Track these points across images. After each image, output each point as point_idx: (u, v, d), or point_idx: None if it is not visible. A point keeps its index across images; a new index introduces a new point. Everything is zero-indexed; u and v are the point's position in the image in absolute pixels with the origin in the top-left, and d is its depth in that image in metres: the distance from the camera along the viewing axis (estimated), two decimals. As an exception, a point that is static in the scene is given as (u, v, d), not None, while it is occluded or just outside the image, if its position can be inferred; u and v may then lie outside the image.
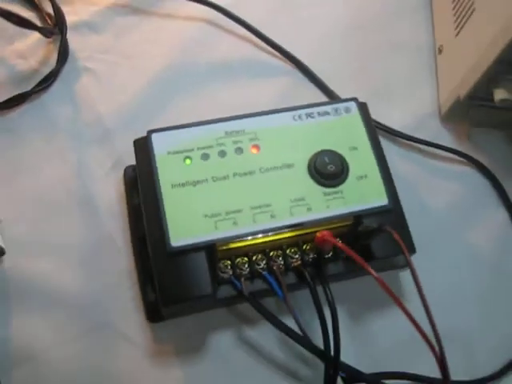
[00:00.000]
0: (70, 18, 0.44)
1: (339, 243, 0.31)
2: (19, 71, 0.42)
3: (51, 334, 0.35)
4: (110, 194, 0.39)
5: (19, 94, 0.41)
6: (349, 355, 0.34)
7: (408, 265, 0.29)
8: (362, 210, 0.34)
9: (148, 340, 0.35)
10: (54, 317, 0.35)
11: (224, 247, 0.33)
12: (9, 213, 0.37)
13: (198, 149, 0.35)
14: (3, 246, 0.36)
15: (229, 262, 0.34)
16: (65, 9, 0.44)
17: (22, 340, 0.34)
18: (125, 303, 0.36)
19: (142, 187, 0.34)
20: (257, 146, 0.35)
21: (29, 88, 0.41)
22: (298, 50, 0.45)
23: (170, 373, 0.34)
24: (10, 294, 0.35)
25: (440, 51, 0.47)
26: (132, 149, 0.36)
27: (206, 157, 0.34)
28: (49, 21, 0.44)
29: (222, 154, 0.35)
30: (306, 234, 0.34)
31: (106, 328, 0.35)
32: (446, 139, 0.44)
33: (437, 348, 0.28)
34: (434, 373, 0.31)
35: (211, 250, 0.32)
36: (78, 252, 0.37)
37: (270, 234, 0.33)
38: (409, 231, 0.35)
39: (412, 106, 0.45)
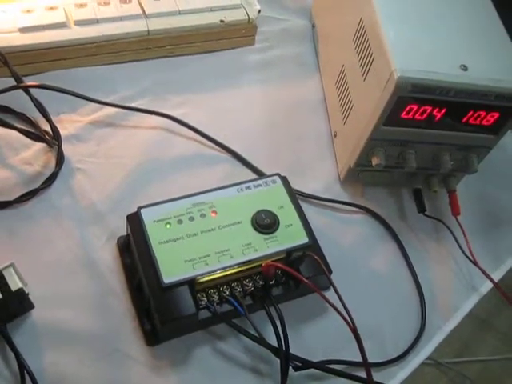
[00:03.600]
0: (61, 132, 0.58)
1: (279, 264, 0.46)
2: (27, 174, 0.55)
3: (74, 364, 0.46)
4: (108, 257, 0.52)
5: (29, 191, 0.53)
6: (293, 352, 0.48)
7: (326, 275, 0.45)
8: (292, 247, 0.49)
9: (148, 358, 0.47)
10: (75, 350, 0.47)
11: (200, 280, 0.47)
12: (33, 277, 0.48)
13: (175, 217, 0.49)
14: (33, 301, 0.48)
15: (203, 294, 0.47)
16: (56, 125, 0.59)
17: (52, 371, 0.45)
18: (128, 333, 0.48)
19: (137, 246, 0.48)
20: (215, 211, 0.50)
21: (36, 186, 0.54)
22: (233, 144, 0.61)
23: (167, 380, 0.47)
24: (40, 337, 0.47)
25: (335, 135, 0.64)
26: (121, 223, 0.50)
27: (180, 222, 0.49)
28: (45, 135, 0.58)
29: (191, 218, 0.49)
30: (255, 267, 0.48)
31: (116, 353, 0.47)
32: (347, 197, 0.61)
33: (352, 325, 0.43)
34: (357, 358, 0.45)
35: (192, 283, 0.46)
36: (89, 300, 0.49)
37: (230, 269, 0.47)
38: (325, 258, 0.50)
39: (319, 176, 0.62)
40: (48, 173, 0.56)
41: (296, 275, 0.45)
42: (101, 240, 0.53)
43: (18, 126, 0.57)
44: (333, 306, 0.43)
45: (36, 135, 0.54)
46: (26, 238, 0.52)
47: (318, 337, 0.51)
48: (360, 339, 0.43)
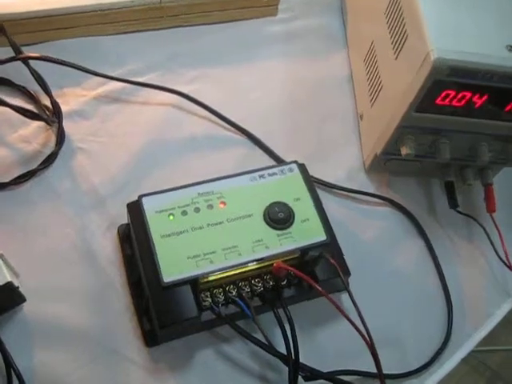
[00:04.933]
0: (62, 107, 0.54)
1: (291, 268, 0.41)
2: (25, 153, 0.52)
3: (67, 363, 0.43)
4: (108, 247, 0.48)
5: (27, 172, 0.50)
6: (304, 359, 0.43)
7: (341, 280, 0.40)
8: (307, 245, 0.44)
9: (147, 360, 0.44)
10: (69, 349, 0.43)
11: (204, 280, 0.42)
12: (26, 267, 0.45)
13: (179, 207, 0.45)
14: (24, 294, 0.44)
15: (208, 293, 0.43)
16: (58, 100, 0.54)
17: (43, 371, 0.42)
18: (126, 333, 0.44)
19: (136, 239, 0.44)
20: (224, 202, 0.45)
21: (34, 166, 0.50)
22: (249, 125, 0.56)
23: (166, 384, 0.43)
24: (31, 333, 0.43)
25: (361, 118, 0.59)
26: (122, 211, 0.46)
27: (185, 213, 0.44)
28: (46, 111, 0.54)
29: (197, 210, 0.45)
30: (266, 266, 0.44)
31: (113, 353, 0.43)
32: (371, 187, 0.55)
33: (367, 338, 0.38)
34: (374, 368, 0.40)
35: (195, 283, 0.42)
36: (85, 295, 0.45)
37: (237, 268, 0.43)
38: (344, 259, 0.46)
39: (343, 163, 0.57)
40: (47, 152, 0.52)
41: (308, 280, 0.41)
42: (101, 228, 0.49)
43: (15, 100, 0.53)
44: (346, 316, 0.39)
45: (32, 113, 0.49)
46: (21, 223, 0.48)
47: (331, 342, 0.47)
48: (375, 352, 0.39)
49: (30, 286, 0.45)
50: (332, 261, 0.41)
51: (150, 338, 0.44)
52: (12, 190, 0.49)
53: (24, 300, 0.44)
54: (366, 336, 0.39)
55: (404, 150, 0.50)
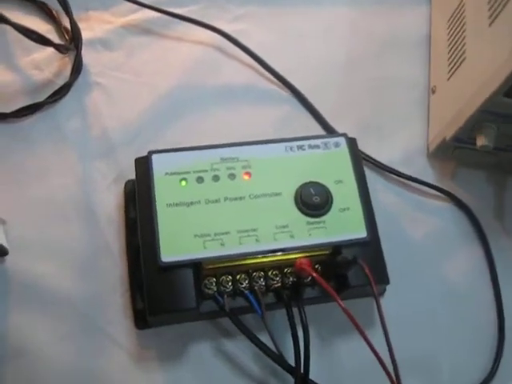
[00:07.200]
0: (85, 33, 0.47)
1: (314, 273, 0.33)
2: (34, 81, 0.45)
3: (44, 333, 0.37)
4: (110, 204, 0.41)
5: (32, 104, 0.43)
6: (316, 374, 0.36)
7: (374, 297, 0.32)
8: (342, 241, 0.36)
9: (134, 345, 0.37)
10: (49, 316, 0.37)
11: (210, 266, 0.35)
12: (14, 215, 0.39)
13: (194, 172, 0.37)
14: (6, 246, 0.38)
15: (214, 279, 0.36)
16: (81, 25, 0.47)
17: (16, 336, 0.37)
18: (115, 309, 0.38)
19: (139, 203, 0.37)
20: (249, 173, 0.38)
21: (42, 98, 0.44)
22: (297, 80, 0.48)
23: (152, 378, 0.37)
24: (10, 292, 0.38)
25: (433, 91, 0.49)
26: (133, 163, 0.39)
27: (200, 180, 0.37)
28: (66, 35, 0.46)
29: (216, 178, 0.37)
30: (288, 259, 0.36)
31: (96, 330, 0.38)
32: (431, 176, 0.46)
33: (393, 375, 0.31)
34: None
35: (198, 267, 0.35)
36: (76, 257, 0.39)
37: (252, 257, 0.36)
38: (384, 263, 0.38)
39: (401, 141, 0.47)
40: (60, 83, 0.45)
41: (330, 291, 0.33)
42: (106, 180, 0.42)
43: (32, 19, 0.47)
44: (368, 342, 0.31)
45: (39, 36, 0.42)
46: (16, 162, 0.42)
47: (352, 358, 0.39)
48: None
49: (16, 236, 0.39)
50: (367, 270, 0.33)
51: (141, 320, 0.38)
52: (12, 123, 0.43)
53: (6, 253, 0.38)
54: (386, 366, 0.31)
55: (480, 141, 0.40)
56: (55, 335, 0.37)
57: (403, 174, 0.45)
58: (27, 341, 0.37)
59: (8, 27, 0.42)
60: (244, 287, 0.36)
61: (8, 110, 0.43)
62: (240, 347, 0.38)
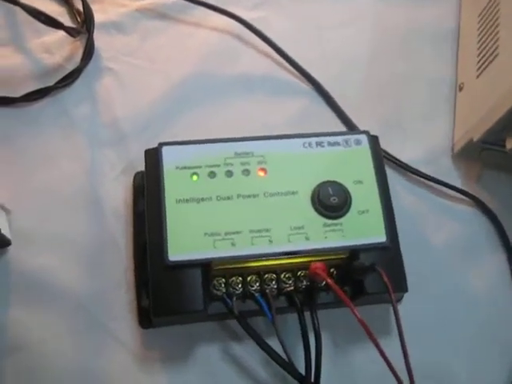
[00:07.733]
0: (98, 16, 0.45)
1: (329, 280, 0.31)
2: (44, 65, 0.43)
3: (45, 327, 0.36)
4: (118, 196, 0.39)
5: (42, 89, 0.41)
6: (327, 382, 0.34)
7: (392, 305, 0.30)
8: (359, 245, 0.34)
9: (137, 345, 0.36)
10: (50, 310, 0.36)
11: (220, 266, 0.33)
12: (19, 204, 0.38)
13: (206, 166, 0.35)
14: (9, 236, 0.37)
15: (223, 280, 0.34)
16: (94, 7, 0.45)
17: (16, 329, 0.35)
18: (120, 306, 0.36)
19: (147, 198, 0.35)
20: (264, 170, 0.36)
21: (52, 83, 0.42)
22: (318, 72, 0.45)
23: (156, 379, 0.35)
24: (11, 283, 0.36)
25: (460, 88, 0.46)
26: (143, 154, 0.37)
27: (212, 175, 0.35)
28: (78, 17, 0.45)
29: (229, 174, 0.35)
30: (302, 261, 0.34)
31: (99, 327, 0.36)
32: (455, 178, 0.44)
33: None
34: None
35: (207, 268, 0.33)
36: (81, 250, 0.38)
37: (264, 259, 0.34)
38: (403, 270, 0.35)
39: (425, 140, 0.45)
40: (70, 68, 0.43)
41: (343, 299, 0.30)
42: (115, 170, 0.40)
43: (42, 0, 0.44)
44: (381, 351, 0.29)
45: (48, 18, 0.40)
46: (22, 148, 0.40)
47: (368, 369, 0.36)
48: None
49: (20, 226, 0.38)
50: (385, 278, 0.31)
51: (146, 318, 0.36)
52: (20, 108, 0.42)
53: (8, 243, 0.37)
54: (399, 376, 0.29)
55: (510, 143, 0.38)
56: (56, 330, 0.36)
57: (426, 174, 0.43)
58: (27, 334, 0.35)
59: (18, 8, 0.40)
60: (255, 290, 0.34)
61: (17, 95, 0.41)
62: (249, 351, 0.36)
